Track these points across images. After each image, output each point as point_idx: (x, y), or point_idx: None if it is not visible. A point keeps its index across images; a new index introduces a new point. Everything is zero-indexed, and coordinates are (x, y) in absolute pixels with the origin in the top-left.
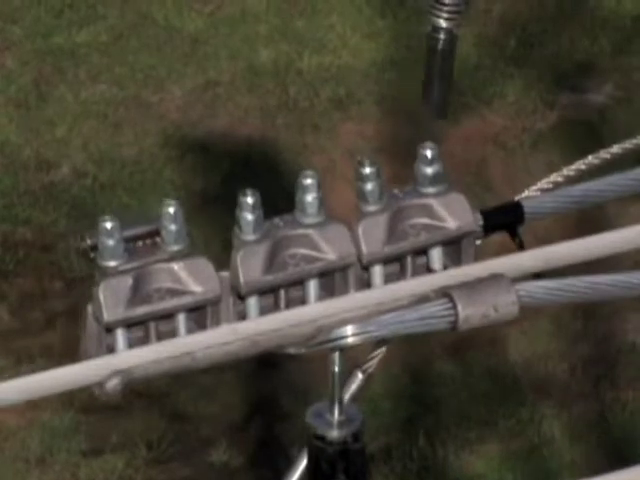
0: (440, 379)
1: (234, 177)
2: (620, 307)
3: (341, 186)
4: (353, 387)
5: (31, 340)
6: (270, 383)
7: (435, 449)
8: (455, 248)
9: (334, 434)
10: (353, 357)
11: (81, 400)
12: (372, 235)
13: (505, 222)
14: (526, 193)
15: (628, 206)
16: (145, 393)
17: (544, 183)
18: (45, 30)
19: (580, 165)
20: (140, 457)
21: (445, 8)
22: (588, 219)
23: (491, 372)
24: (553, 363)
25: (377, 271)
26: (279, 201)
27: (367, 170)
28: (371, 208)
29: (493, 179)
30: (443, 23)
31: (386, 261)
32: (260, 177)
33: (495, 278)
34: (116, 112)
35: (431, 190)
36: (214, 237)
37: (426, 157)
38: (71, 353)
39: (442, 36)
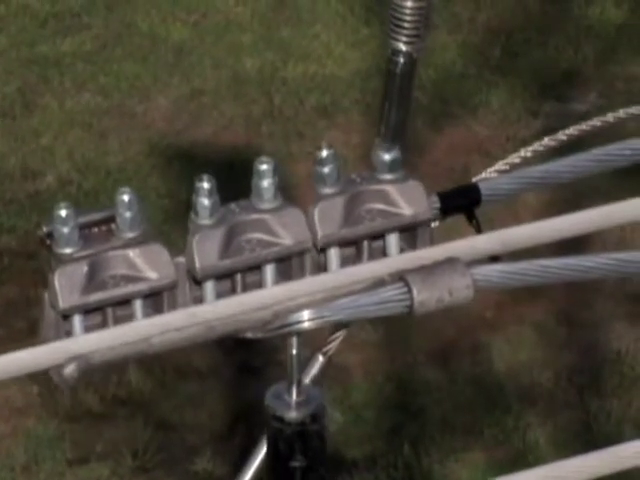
0: (424, 388)
1: (219, 185)
2: (605, 315)
3: None
4: (314, 370)
5: (15, 347)
6: (254, 391)
7: (420, 458)
8: (411, 232)
9: (292, 415)
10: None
11: (66, 408)
12: (328, 217)
13: (462, 204)
14: (483, 175)
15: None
16: (130, 401)
17: (501, 165)
18: (30, 39)
19: (537, 147)
20: (125, 465)
21: (404, 31)
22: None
23: (476, 381)
24: (538, 371)
25: (333, 254)
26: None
27: (324, 153)
28: (328, 191)
29: None
30: (402, 47)
31: (342, 244)
32: (245, 185)
33: (450, 262)
34: (101, 121)
35: (388, 177)
36: None
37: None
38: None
39: (401, 60)
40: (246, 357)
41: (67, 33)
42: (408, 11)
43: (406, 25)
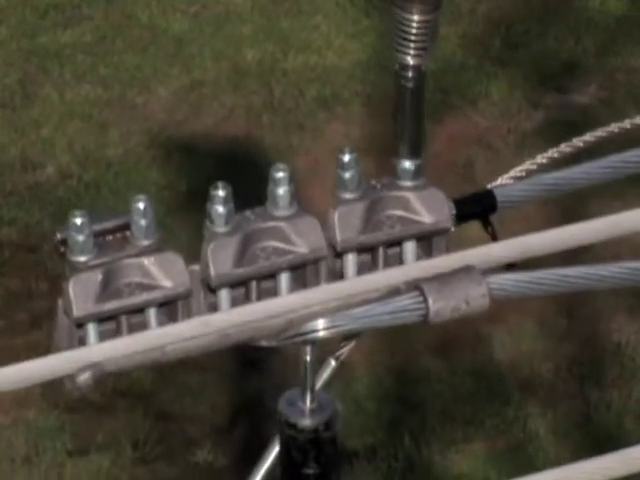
0: (425, 379)
1: (219, 177)
2: (605, 307)
3: (325, 186)
4: (326, 375)
5: (17, 340)
6: (255, 383)
7: (420, 448)
8: (428, 239)
9: (306, 422)
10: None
11: (66, 400)
12: (347, 222)
13: (477, 211)
14: (499, 181)
15: (611, 202)
16: (130, 393)
17: (517, 171)
18: (30, 30)
19: (553, 153)
20: (126, 457)
21: (413, 45)
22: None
23: (476, 372)
24: (538, 363)
25: (350, 259)
26: (264, 201)
27: (347, 158)
28: (348, 196)
29: (478, 179)
30: (410, 60)
31: (359, 250)
32: (245, 177)
33: (466, 270)
34: (101, 112)
35: (409, 184)
36: (198, 237)
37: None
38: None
39: (410, 74)
40: (247, 349)
41: (67, 24)
42: (415, 24)
43: (414, 39)
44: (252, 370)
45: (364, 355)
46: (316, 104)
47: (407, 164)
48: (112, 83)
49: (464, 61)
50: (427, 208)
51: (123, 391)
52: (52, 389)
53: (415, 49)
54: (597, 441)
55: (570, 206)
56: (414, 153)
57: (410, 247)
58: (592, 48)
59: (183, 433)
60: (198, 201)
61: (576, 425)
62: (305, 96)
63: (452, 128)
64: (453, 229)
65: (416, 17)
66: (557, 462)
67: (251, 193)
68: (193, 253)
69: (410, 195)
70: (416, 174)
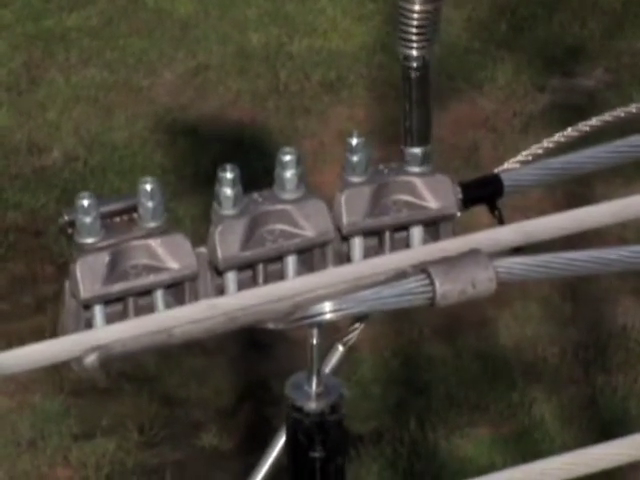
0: (430, 363)
1: (224, 160)
2: (611, 290)
3: (331, 169)
4: (334, 360)
5: (22, 324)
6: (260, 368)
7: (425, 433)
8: (435, 225)
9: (312, 405)
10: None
11: (71, 383)
12: (354, 205)
13: (484, 195)
14: (505, 165)
15: (620, 188)
16: (135, 377)
17: (523, 155)
18: (36, 14)
19: (560, 137)
20: (131, 440)
21: (416, 37)
22: (578, 202)
23: (481, 356)
24: (544, 347)
25: (357, 243)
26: (269, 184)
27: (355, 141)
28: (356, 179)
29: (484, 163)
30: (415, 52)
31: (366, 234)
32: (251, 161)
33: (473, 254)
34: (107, 96)
35: (416, 169)
36: (204, 220)
37: None
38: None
39: (415, 65)
40: (252, 333)
41: (73, 8)
42: (417, 15)
43: (417, 30)
44: (257, 354)
45: (369, 339)
46: (321, 87)
47: (414, 151)
48: (118, 67)
49: (469, 45)
50: (434, 194)
51: (128, 375)
52: (57, 373)
53: (419, 41)
54: (602, 426)
55: (575, 190)
56: (421, 140)
57: (417, 232)
58: (598, 31)
59: (188, 417)
60: (203, 185)
61: (581, 409)
62: (310, 79)
63: (457, 112)
64: (459, 213)
65: (417, 7)
66: (562, 446)
67: (256, 177)
68: (198, 236)
69: (417, 180)
70: (423, 160)
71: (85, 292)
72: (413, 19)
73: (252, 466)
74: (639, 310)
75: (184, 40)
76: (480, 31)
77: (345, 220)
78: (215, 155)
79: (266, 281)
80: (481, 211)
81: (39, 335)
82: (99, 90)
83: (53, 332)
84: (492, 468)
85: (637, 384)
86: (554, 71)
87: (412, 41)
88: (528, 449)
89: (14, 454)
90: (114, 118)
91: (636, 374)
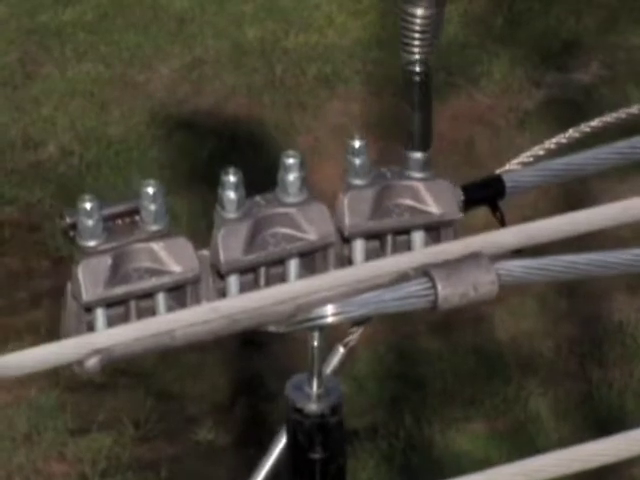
0: (426, 358)
1: (220, 155)
2: (607, 286)
3: (327, 164)
4: (334, 361)
5: (18, 318)
6: (255, 363)
7: (421, 427)
8: (436, 230)
9: (312, 407)
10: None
11: (67, 378)
12: (357, 208)
13: (486, 196)
14: (507, 167)
15: (616, 185)
16: (131, 372)
17: (525, 157)
18: (31, 8)
19: (561, 139)
20: (127, 435)
21: (418, 42)
22: (576, 201)
23: (477, 351)
24: (539, 342)
25: (359, 245)
26: (265, 179)
27: (357, 144)
28: (358, 182)
29: (480, 158)
30: (417, 56)
31: (368, 236)
32: (246, 155)
33: (475, 257)
34: (102, 91)
35: (418, 174)
36: (200, 215)
37: None
38: (58, 331)
39: (417, 69)
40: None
41: (68, 2)
42: (420, 21)
43: (420, 35)
44: (253, 350)
45: (365, 334)
46: (317, 82)
47: (416, 155)
48: (113, 61)
49: (466, 40)
50: (435, 199)
51: (124, 370)
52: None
53: (421, 46)
54: (598, 421)
55: (570, 185)
56: (423, 145)
57: (418, 237)
58: (593, 26)
59: (184, 412)
60: (199, 180)
61: (577, 404)
62: (306, 74)
63: (454, 107)
64: (461, 215)
65: (419, 12)
66: (558, 441)
67: (252, 171)
68: (193, 232)
69: (419, 185)
70: (424, 166)
71: (87, 295)
72: (416, 24)
73: (247, 460)
74: (634, 305)
75: (180, 35)
76: (476, 26)
77: (347, 222)
78: (211, 150)
79: (268, 284)
80: (480, 211)
81: (35, 330)
82: (95, 85)
83: (49, 327)
84: (487, 462)
85: (633, 379)
86: (550, 66)
87: (415, 46)
88: (524, 443)
89: (10, 449)
90: (110, 113)
91: (631, 369)
